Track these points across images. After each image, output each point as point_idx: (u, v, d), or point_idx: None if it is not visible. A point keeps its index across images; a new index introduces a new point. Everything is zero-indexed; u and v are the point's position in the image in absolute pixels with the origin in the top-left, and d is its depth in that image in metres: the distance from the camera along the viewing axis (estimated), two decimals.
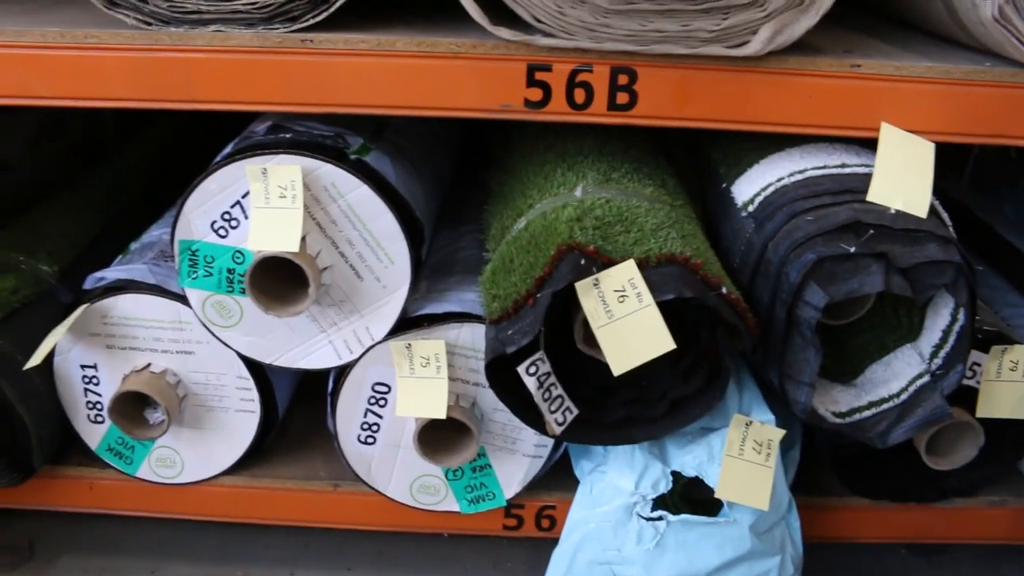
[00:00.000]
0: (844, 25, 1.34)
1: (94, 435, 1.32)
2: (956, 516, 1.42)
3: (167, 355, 1.26)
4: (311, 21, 1.05)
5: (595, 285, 1.01)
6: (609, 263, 1.02)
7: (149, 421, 1.29)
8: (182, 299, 1.21)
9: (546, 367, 1.07)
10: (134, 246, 1.37)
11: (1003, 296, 1.49)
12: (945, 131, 1.14)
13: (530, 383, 1.06)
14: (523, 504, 1.35)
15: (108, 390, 1.28)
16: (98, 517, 1.43)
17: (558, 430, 1.11)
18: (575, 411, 1.11)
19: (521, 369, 1.05)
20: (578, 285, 1.01)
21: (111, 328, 1.25)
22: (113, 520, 1.44)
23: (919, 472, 1.33)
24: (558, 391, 1.09)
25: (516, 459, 1.29)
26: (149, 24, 1.06)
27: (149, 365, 1.27)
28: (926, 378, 1.16)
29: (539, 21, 1.04)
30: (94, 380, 1.28)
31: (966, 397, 1.27)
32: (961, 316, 1.14)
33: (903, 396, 1.17)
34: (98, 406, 1.30)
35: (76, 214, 1.51)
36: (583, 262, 1.02)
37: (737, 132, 1.17)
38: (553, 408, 1.09)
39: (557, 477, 1.34)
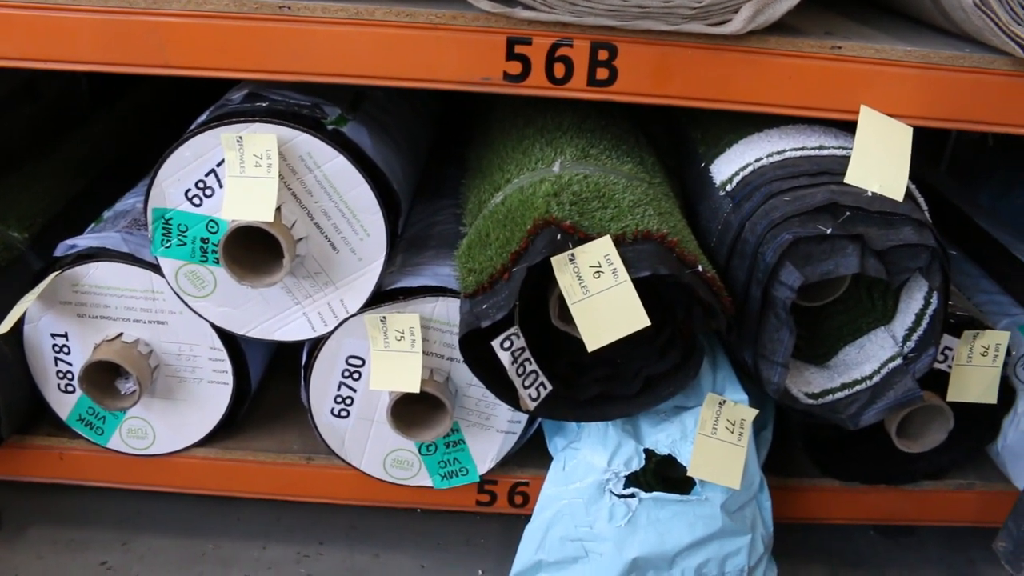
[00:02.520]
0: (826, 7, 1.34)
1: (64, 405, 1.31)
2: (925, 498, 1.44)
3: (139, 325, 1.25)
4: None
5: (571, 260, 1.00)
6: (585, 239, 1.01)
7: (120, 391, 1.28)
8: (155, 268, 1.20)
9: (520, 342, 1.07)
10: (107, 214, 1.35)
11: (976, 282, 1.51)
12: (923, 115, 1.14)
13: (504, 358, 1.06)
14: (496, 480, 1.35)
15: (79, 359, 1.27)
16: (68, 488, 1.41)
17: (532, 405, 1.11)
18: (549, 387, 1.11)
19: (495, 343, 1.05)
20: (554, 260, 1.00)
21: (82, 296, 1.23)
22: (83, 491, 1.43)
23: (890, 454, 1.34)
24: (532, 366, 1.09)
25: (490, 435, 1.28)
26: None
27: (121, 335, 1.25)
28: (898, 361, 1.17)
29: None
30: (64, 349, 1.27)
31: (937, 381, 1.28)
32: (934, 300, 1.14)
33: (875, 378, 1.18)
34: (68, 375, 1.29)
35: (48, 180, 1.49)
36: (559, 237, 1.01)
37: (717, 111, 1.17)
38: (527, 383, 1.09)
39: (530, 453, 1.34)
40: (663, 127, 1.50)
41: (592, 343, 1.02)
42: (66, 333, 1.26)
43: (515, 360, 1.07)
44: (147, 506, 1.47)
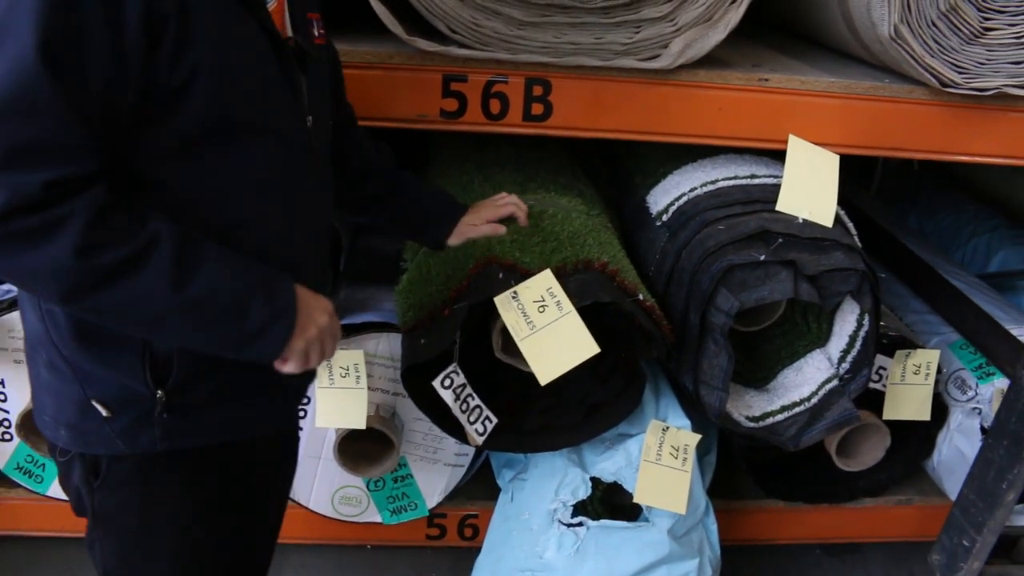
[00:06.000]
0: (754, 40, 1.38)
1: (1, 454, 1.28)
2: (867, 515, 1.47)
3: None
4: None
5: (514, 298, 1.01)
6: (527, 274, 1.02)
7: None
8: None
9: (461, 379, 1.07)
10: None
11: (907, 303, 1.55)
12: (848, 143, 1.18)
13: (447, 396, 1.06)
14: (445, 513, 1.34)
15: (16, 407, 1.24)
16: (6, 539, 1.38)
17: (479, 440, 1.12)
18: (494, 420, 1.12)
19: (436, 383, 1.05)
20: (497, 300, 1.01)
21: (19, 343, 1.21)
22: (23, 541, 1.39)
23: (831, 474, 1.37)
24: (475, 401, 1.09)
25: (437, 468, 1.28)
26: None
27: None
28: (835, 382, 1.20)
29: (455, 32, 1.05)
30: (1, 396, 1.24)
31: (874, 400, 1.31)
32: (866, 322, 1.18)
33: (813, 400, 1.21)
34: (5, 423, 1.26)
35: None
36: (501, 275, 1.02)
37: (652, 143, 1.20)
38: (472, 419, 1.10)
39: (479, 486, 1.34)
40: (602, 159, 1.52)
41: (544, 377, 1.02)
42: (2, 380, 1.23)
43: (458, 397, 1.07)
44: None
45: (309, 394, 1.21)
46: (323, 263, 0.89)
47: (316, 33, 0.84)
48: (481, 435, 1.11)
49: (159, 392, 0.75)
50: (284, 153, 0.76)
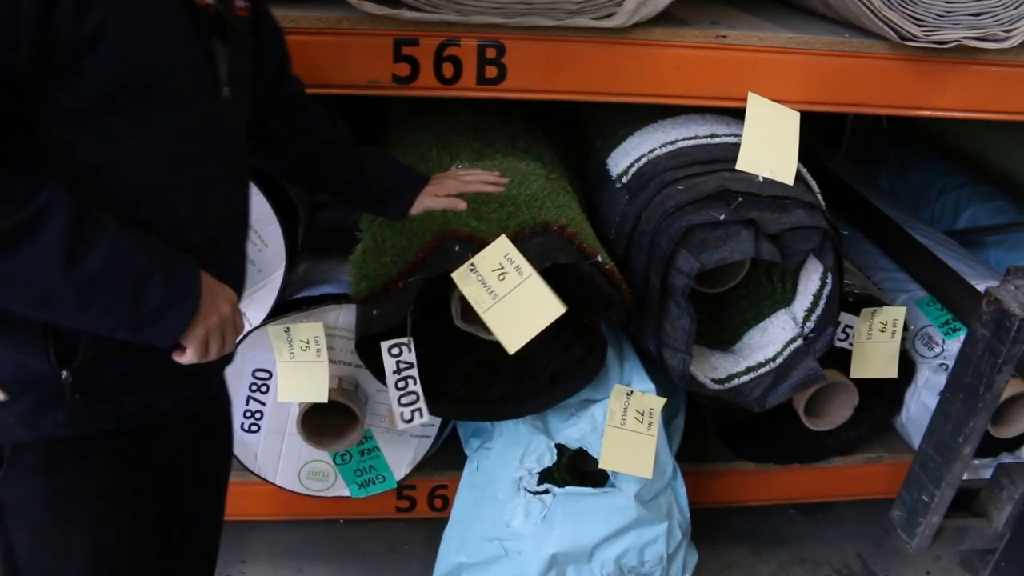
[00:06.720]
0: None
1: None
2: (838, 474, 1.47)
3: None
4: None
5: (472, 270, 0.99)
6: (484, 244, 1.00)
7: None
8: None
9: (410, 356, 1.04)
10: None
11: (875, 261, 1.55)
12: (808, 100, 1.16)
13: (388, 364, 1.04)
14: (414, 485, 1.34)
15: None
16: None
17: (402, 425, 1.08)
18: (425, 415, 1.08)
19: (384, 345, 1.02)
20: (455, 276, 0.98)
21: None
22: None
23: (801, 434, 1.37)
24: (415, 387, 1.06)
25: (404, 440, 1.27)
26: None
27: None
28: (799, 342, 1.19)
29: None
30: None
31: (842, 359, 1.31)
32: (830, 280, 1.17)
33: (778, 360, 1.20)
34: None
35: None
36: (457, 248, 1.00)
37: (613, 105, 1.18)
38: (404, 401, 1.06)
39: (448, 456, 1.33)
40: (563, 124, 1.50)
41: (512, 345, 1.00)
42: None
43: (398, 371, 1.03)
44: None
45: (270, 368, 1.20)
46: (235, 245, 0.84)
47: (239, 4, 0.80)
48: (407, 421, 1.08)
49: (64, 373, 0.71)
50: (194, 122, 0.73)
